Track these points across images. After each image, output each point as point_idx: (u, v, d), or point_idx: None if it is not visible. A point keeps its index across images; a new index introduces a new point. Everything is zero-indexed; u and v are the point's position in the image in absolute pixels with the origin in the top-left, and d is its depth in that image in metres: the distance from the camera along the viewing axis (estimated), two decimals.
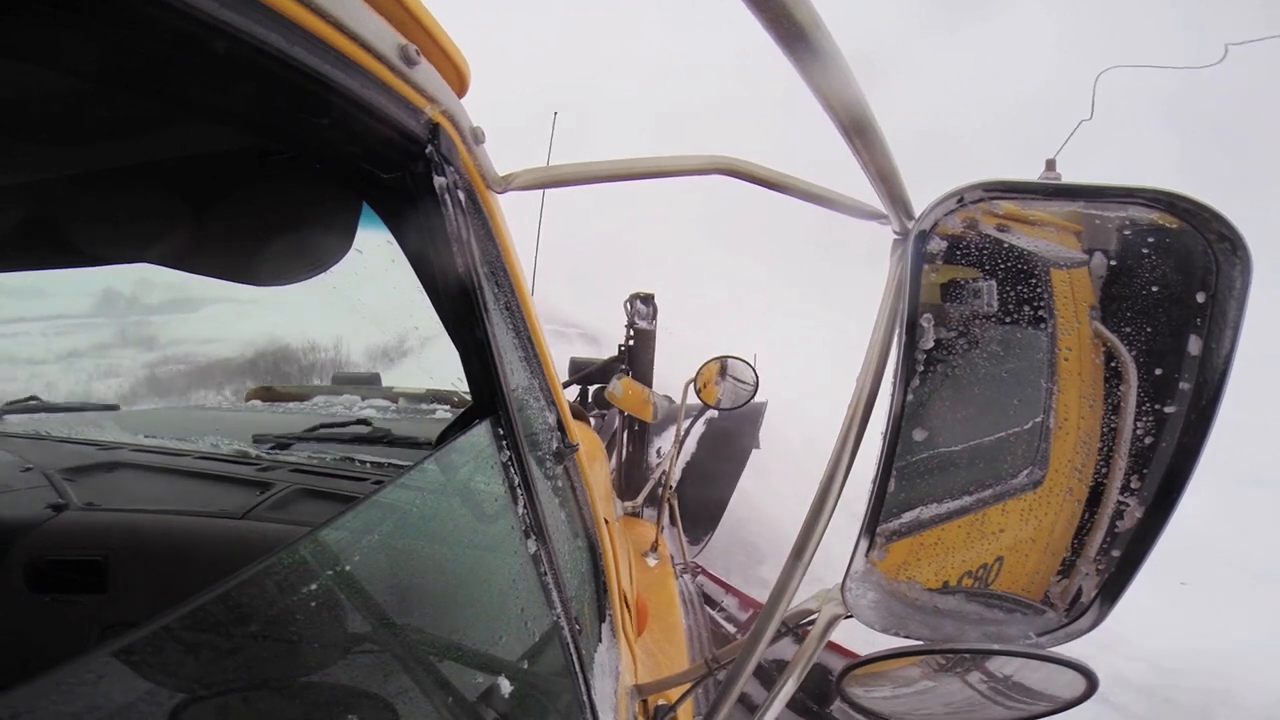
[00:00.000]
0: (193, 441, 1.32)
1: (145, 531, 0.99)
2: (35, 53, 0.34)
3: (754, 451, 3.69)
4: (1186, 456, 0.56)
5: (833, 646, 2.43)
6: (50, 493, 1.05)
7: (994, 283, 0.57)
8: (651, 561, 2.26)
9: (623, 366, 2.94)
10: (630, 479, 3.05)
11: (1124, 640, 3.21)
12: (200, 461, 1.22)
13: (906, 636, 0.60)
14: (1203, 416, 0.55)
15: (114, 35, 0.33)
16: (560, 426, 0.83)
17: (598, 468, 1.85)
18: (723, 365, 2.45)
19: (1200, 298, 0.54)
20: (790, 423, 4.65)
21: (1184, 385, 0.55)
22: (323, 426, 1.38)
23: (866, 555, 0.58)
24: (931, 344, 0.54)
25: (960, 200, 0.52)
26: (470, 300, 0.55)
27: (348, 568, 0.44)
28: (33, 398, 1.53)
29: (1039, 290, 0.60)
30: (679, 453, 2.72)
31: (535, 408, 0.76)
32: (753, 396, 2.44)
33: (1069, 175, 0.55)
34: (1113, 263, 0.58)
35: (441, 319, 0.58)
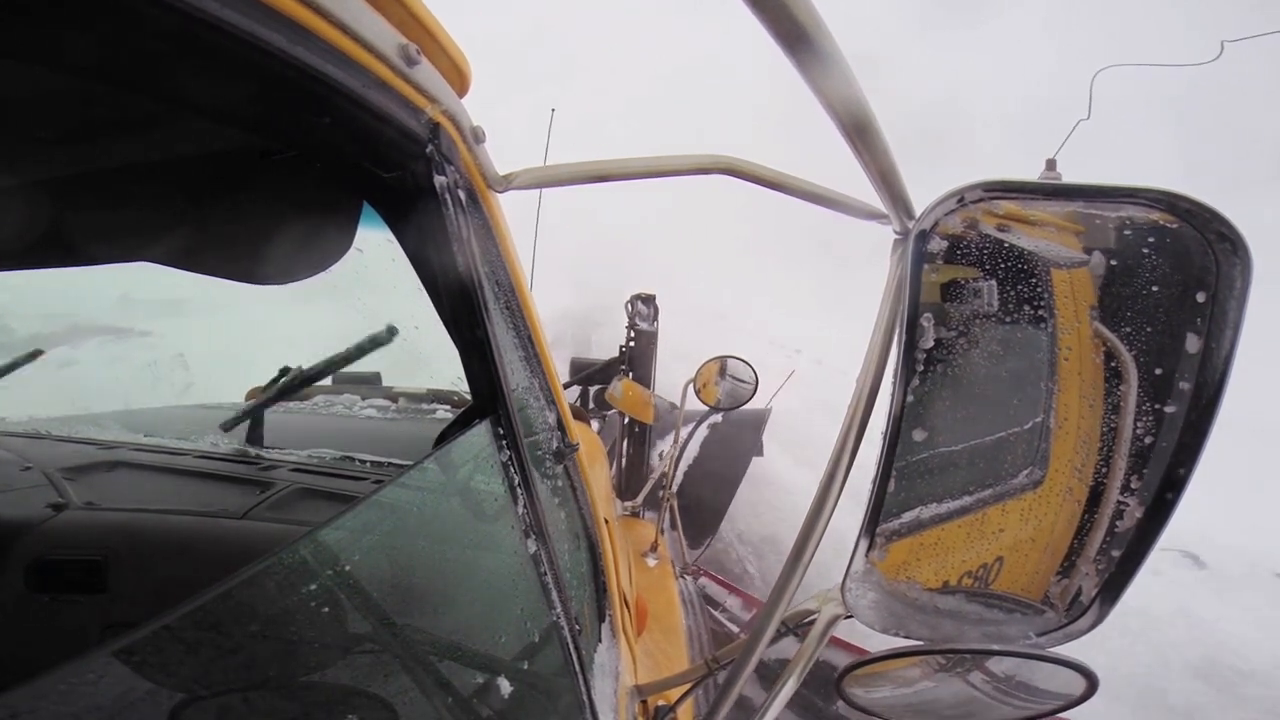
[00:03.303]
0: (193, 441, 1.32)
1: (145, 531, 0.99)
2: (35, 53, 0.34)
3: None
4: (1186, 456, 0.56)
5: (838, 643, 2.43)
6: (50, 492, 1.05)
7: (994, 282, 0.57)
8: (651, 562, 2.26)
9: (623, 368, 2.94)
10: (631, 480, 3.05)
11: None
12: (200, 461, 1.22)
13: (906, 636, 0.60)
14: (1203, 416, 0.55)
15: (114, 35, 0.33)
16: (560, 426, 0.83)
17: (598, 468, 1.85)
18: (722, 365, 2.45)
19: (1200, 297, 0.54)
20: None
21: (1184, 385, 0.55)
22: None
23: (866, 555, 0.58)
24: (931, 344, 0.54)
25: (960, 200, 0.52)
26: (470, 300, 0.55)
27: (348, 568, 0.44)
28: None
29: (1039, 290, 0.60)
30: (680, 455, 2.72)
31: (535, 407, 0.76)
32: (752, 396, 2.44)
33: (1069, 175, 0.55)
34: (1113, 262, 0.58)
35: (442, 318, 0.58)
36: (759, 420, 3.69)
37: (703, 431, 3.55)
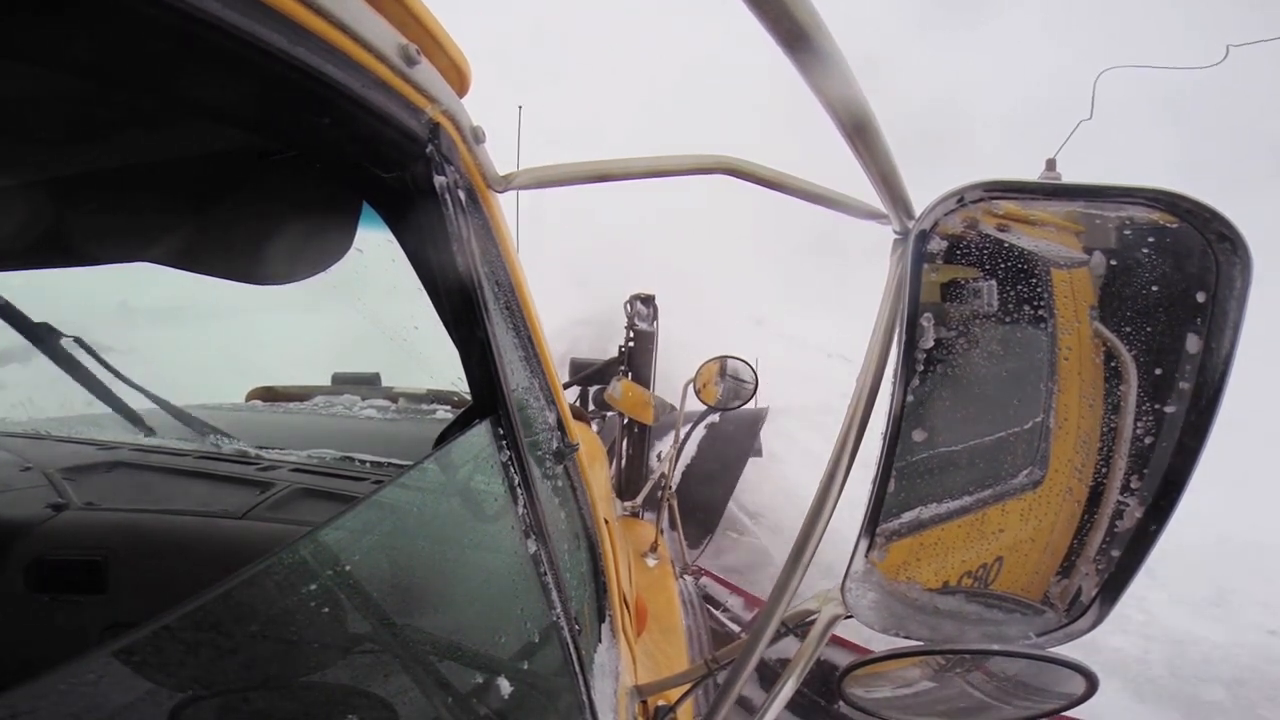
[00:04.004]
0: (193, 441, 1.32)
1: (145, 531, 0.99)
2: (35, 53, 0.34)
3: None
4: (1186, 456, 0.56)
5: (839, 642, 2.43)
6: (50, 492, 1.05)
7: (994, 282, 0.57)
8: (651, 562, 2.26)
9: (622, 368, 2.94)
10: (630, 481, 3.05)
11: None
12: (200, 461, 1.22)
13: (907, 637, 0.60)
14: (1203, 416, 0.55)
15: (114, 35, 0.33)
16: (560, 426, 0.83)
17: (597, 468, 1.85)
18: (722, 365, 2.45)
19: (1200, 297, 0.54)
20: None
21: (1184, 385, 0.55)
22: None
23: (866, 555, 0.58)
24: (931, 344, 0.54)
25: (960, 200, 0.52)
26: (470, 300, 0.55)
27: (348, 568, 0.44)
28: None
29: (1039, 290, 0.60)
30: (679, 455, 2.72)
31: (535, 408, 0.76)
32: (752, 396, 2.44)
33: (1070, 175, 0.55)
34: (1113, 262, 0.58)
35: (442, 319, 0.58)
36: (756, 420, 3.69)
37: (700, 432, 3.56)
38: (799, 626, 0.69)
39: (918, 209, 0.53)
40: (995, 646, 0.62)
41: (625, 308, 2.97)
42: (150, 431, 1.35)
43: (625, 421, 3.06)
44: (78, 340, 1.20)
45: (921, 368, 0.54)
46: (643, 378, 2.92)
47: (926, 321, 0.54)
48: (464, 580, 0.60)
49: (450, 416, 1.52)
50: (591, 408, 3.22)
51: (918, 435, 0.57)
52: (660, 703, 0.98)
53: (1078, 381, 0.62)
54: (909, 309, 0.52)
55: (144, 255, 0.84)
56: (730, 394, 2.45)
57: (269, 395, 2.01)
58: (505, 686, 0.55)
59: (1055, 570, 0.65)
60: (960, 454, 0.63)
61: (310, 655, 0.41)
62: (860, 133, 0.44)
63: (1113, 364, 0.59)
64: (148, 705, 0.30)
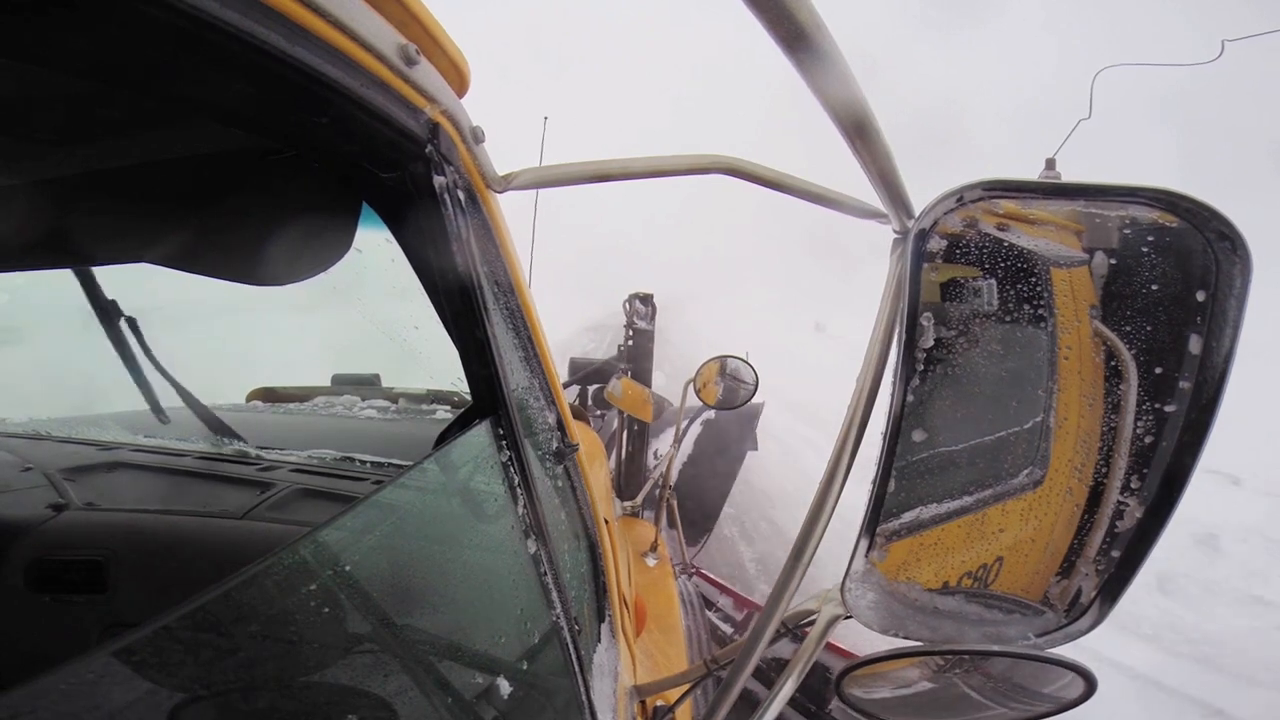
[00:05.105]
0: (193, 441, 1.32)
1: (145, 531, 0.99)
2: (35, 53, 0.34)
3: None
4: (1187, 456, 0.56)
5: (832, 648, 2.43)
6: (50, 493, 1.05)
7: (994, 281, 0.57)
8: (651, 562, 2.26)
9: (622, 366, 2.95)
10: (629, 479, 3.06)
11: None
12: (200, 461, 1.22)
13: (906, 637, 0.60)
14: (1203, 416, 0.55)
15: (114, 35, 0.33)
16: (560, 426, 0.83)
17: (597, 468, 1.85)
18: (722, 365, 2.45)
19: (1200, 296, 0.54)
20: None
21: (1184, 384, 0.55)
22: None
23: (866, 556, 0.57)
24: (931, 343, 0.54)
25: (960, 199, 0.52)
26: (470, 300, 0.55)
27: (348, 568, 0.44)
28: None
29: (1039, 289, 0.60)
30: (677, 453, 2.73)
31: (535, 408, 0.76)
32: (752, 395, 2.44)
33: (1069, 174, 0.55)
34: (1113, 262, 0.58)
35: (441, 319, 0.58)
36: (752, 415, 3.69)
37: (696, 429, 3.56)
38: (798, 627, 0.69)
39: (917, 208, 0.53)
40: (995, 647, 0.62)
41: (624, 307, 2.97)
42: (150, 432, 1.35)
43: (625, 419, 3.07)
44: (131, 322, 1.24)
45: (921, 367, 0.54)
46: (642, 376, 2.92)
47: (926, 321, 0.54)
48: (464, 580, 0.60)
49: (450, 416, 1.52)
50: (589, 405, 3.22)
51: (918, 435, 0.57)
52: (659, 703, 0.98)
53: (1078, 381, 0.62)
54: (909, 308, 0.52)
55: (144, 255, 0.84)
56: (729, 393, 2.45)
57: (269, 396, 2.01)
58: (505, 686, 0.55)
59: (1055, 570, 0.65)
60: (960, 454, 0.63)
61: (310, 655, 0.41)
62: (860, 133, 0.44)
63: (1113, 363, 0.59)
64: (148, 705, 0.30)
